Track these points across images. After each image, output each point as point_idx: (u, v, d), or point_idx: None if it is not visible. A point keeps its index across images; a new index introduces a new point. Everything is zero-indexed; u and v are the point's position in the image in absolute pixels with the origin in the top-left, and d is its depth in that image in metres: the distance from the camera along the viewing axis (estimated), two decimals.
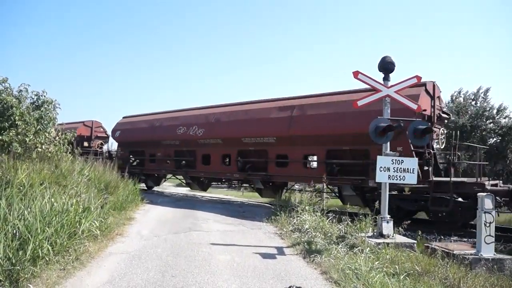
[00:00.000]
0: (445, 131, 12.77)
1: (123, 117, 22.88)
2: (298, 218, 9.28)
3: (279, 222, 9.86)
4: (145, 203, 13.50)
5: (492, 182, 10.81)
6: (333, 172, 12.41)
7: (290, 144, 13.41)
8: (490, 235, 6.91)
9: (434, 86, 11.72)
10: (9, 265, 4.68)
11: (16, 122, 10.02)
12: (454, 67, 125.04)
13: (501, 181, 11.77)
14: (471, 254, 6.94)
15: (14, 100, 10.61)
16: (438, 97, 12.18)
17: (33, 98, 11.41)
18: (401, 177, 7.66)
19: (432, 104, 11.59)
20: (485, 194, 7.11)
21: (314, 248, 7.15)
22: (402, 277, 5.55)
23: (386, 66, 8.26)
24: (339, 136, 11.91)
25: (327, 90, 14.29)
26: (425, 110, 11.08)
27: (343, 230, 8.24)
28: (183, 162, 17.84)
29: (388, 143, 8.16)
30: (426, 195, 10.80)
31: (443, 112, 12.83)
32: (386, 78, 8.32)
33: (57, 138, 10.97)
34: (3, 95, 10.43)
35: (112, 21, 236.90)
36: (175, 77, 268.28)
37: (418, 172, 10.52)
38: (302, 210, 9.54)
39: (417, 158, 7.99)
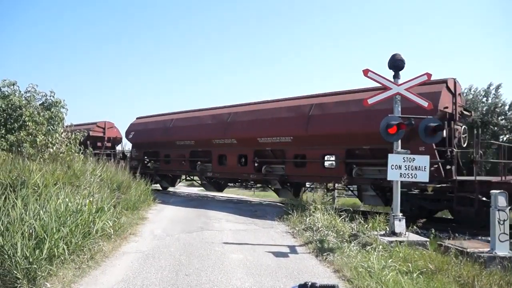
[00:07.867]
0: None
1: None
2: (311, 217, 9.27)
3: (291, 221, 9.88)
4: (157, 203, 13.60)
5: None
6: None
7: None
8: (504, 233, 6.84)
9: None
10: (27, 264, 4.76)
11: (26, 123, 10.10)
12: (466, 66, 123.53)
13: None
14: (485, 252, 6.88)
15: (24, 101, 10.71)
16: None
17: (41, 99, 11.51)
18: (413, 174, 7.62)
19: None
20: (498, 191, 7.04)
21: (327, 247, 7.15)
22: (415, 275, 5.54)
23: (396, 64, 8.17)
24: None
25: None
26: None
27: (356, 229, 8.23)
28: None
29: (399, 142, 8.10)
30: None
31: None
32: (396, 76, 8.25)
33: (66, 138, 11.03)
34: (10, 96, 10.55)
35: (123, 21, 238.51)
36: (185, 77, 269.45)
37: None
38: (314, 209, 9.52)
39: (428, 156, 7.87)
